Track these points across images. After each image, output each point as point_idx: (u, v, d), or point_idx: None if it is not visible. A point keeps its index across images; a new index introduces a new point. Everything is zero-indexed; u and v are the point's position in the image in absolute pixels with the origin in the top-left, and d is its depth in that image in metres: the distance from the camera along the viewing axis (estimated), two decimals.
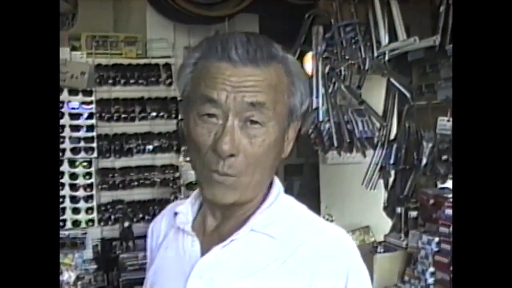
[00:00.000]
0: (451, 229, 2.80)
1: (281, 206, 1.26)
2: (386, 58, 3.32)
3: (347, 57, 3.34)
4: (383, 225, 4.03)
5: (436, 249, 2.92)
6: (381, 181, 3.67)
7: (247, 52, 1.16)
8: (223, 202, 1.20)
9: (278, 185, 1.30)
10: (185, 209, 1.32)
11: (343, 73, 3.36)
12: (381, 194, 3.96)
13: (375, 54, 3.35)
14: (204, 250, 1.25)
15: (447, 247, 2.85)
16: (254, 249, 1.21)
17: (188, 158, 4.73)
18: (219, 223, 1.28)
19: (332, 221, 5.66)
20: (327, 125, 3.41)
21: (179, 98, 4.73)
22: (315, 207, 5.82)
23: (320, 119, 3.40)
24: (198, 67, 1.21)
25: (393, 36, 3.38)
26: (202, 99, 1.17)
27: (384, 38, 3.35)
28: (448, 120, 3.16)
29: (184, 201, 1.37)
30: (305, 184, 6.94)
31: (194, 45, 4.24)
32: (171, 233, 1.35)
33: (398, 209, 3.34)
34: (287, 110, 1.22)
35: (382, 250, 3.18)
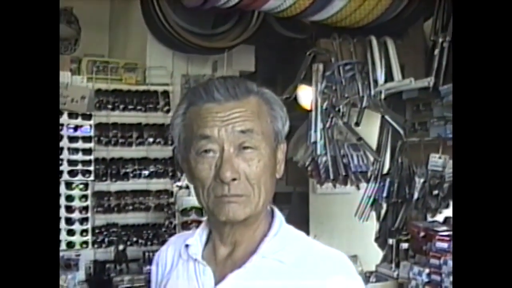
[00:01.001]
0: (441, 260, 2.94)
1: (286, 234, 1.39)
2: (382, 96, 3.48)
3: (346, 95, 3.50)
4: (370, 255, 4.12)
5: (426, 280, 3.05)
6: (373, 213, 3.80)
7: (227, 90, 1.33)
8: (236, 218, 1.32)
9: (279, 214, 1.43)
10: (195, 241, 1.43)
11: (341, 110, 3.51)
12: (369, 225, 4.05)
13: (372, 93, 3.51)
14: (218, 279, 1.35)
15: (437, 278, 2.99)
16: (266, 275, 1.32)
17: (179, 184, 4.85)
18: (230, 251, 1.39)
19: None
20: (324, 159, 3.54)
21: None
22: None
23: (318, 152, 3.53)
24: (187, 115, 1.37)
25: (389, 76, 3.54)
26: (198, 138, 1.32)
27: (381, 77, 3.51)
28: (440, 157, 3.31)
29: (191, 233, 1.49)
30: (294, 212, 7.03)
31: (192, 73, 4.40)
32: (180, 263, 1.45)
33: (390, 241, 3.47)
34: (273, 133, 1.37)
35: (374, 279, 3.31)
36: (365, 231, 4.27)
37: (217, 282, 1.35)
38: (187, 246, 1.44)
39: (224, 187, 1.30)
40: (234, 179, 1.29)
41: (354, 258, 5.63)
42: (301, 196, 6.60)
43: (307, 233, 4.54)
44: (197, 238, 1.44)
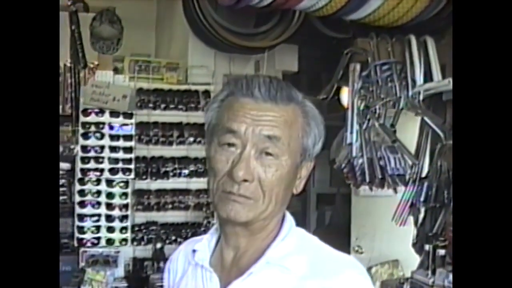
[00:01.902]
0: None
1: (294, 239, 1.34)
2: (421, 97, 3.38)
3: (382, 96, 3.41)
4: (411, 260, 4.03)
5: None
6: (411, 218, 3.70)
7: (268, 91, 1.29)
8: (237, 219, 1.28)
9: (290, 218, 1.38)
10: (202, 246, 1.40)
11: (377, 111, 3.43)
12: (411, 229, 3.98)
13: (410, 93, 3.41)
14: (223, 285, 1.33)
15: None
16: (271, 281, 1.28)
17: None
18: (236, 257, 1.36)
19: (361, 253, 5.68)
20: (360, 161, 3.46)
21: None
22: (346, 237, 5.84)
23: (354, 154, 3.46)
24: (224, 103, 1.33)
25: (428, 76, 3.44)
26: (224, 130, 1.29)
27: (420, 78, 3.41)
28: None
29: (201, 238, 1.46)
30: (337, 214, 6.97)
31: (234, 73, 4.39)
32: (189, 270, 1.43)
33: (427, 247, 3.37)
34: (300, 148, 1.32)
35: (408, 287, 3.22)
36: (407, 235, 4.18)
37: None
38: (194, 251, 1.41)
39: (234, 185, 1.27)
40: (245, 180, 1.26)
41: (395, 262, 5.56)
42: (345, 197, 6.53)
43: (348, 235, 4.47)
44: (205, 243, 1.41)
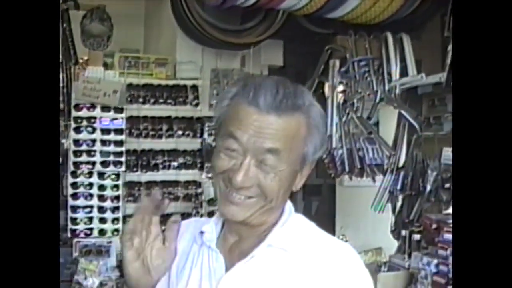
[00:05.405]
0: (448, 252, 3.02)
1: (294, 224, 1.42)
2: (397, 91, 3.56)
3: (359, 90, 3.59)
4: (395, 247, 4.21)
5: (434, 270, 3.14)
6: (389, 205, 3.89)
7: (273, 101, 1.31)
8: (233, 219, 1.36)
9: (289, 205, 1.45)
10: (210, 228, 1.44)
11: (355, 104, 3.61)
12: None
13: (387, 88, 3.60)
14: (228, 266, 1.39)
15: (445, 268, 3.07)
16: (272, 263, 1.36)
17: (210, 175, 5.00)
18: (238, 241, 1.42)
19: (346, 241, 5.83)
20: (340, 151, 3.64)
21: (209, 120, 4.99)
22: (331, 227, 6.01)
23: (334, 145, 3.64)
24: (233, 101, 1.37)
25: (404, 71, 3.63)
26: (227, 135, 1.34)
27: (396, 73, 3.60)
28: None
29: (204, 219, 1.53)
30: (323, 204, 7.13)
31: (221, 68, 4.47)
32: (194, 249, 1.47)
33: (403, 232, 3.56)
34: (300, 157, 1.37)
35: (385, 269, 3.40)
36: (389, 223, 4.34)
37: (227, 269, 1.39)
38: (202, 232, 1.45)
39: (233, 188, 1.34)
40: (243, 187, 1.33)
41: (378, 250, 5.74)
42: (331, 188, 6.68)
43: (334, 224, 4.64)
44: (212, 225, 1.45)
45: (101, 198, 5.00)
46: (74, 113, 4.96)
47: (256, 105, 1.31)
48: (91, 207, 4.98)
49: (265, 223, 1.40)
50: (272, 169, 1.33)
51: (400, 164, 3.79)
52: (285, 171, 1.34)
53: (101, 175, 5.00)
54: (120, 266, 4.93)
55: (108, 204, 5.01)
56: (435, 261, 3.14)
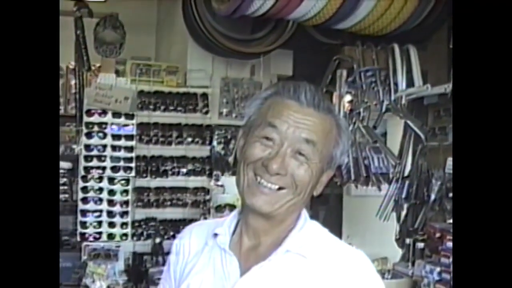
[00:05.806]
0: (451, 260, 3.07)
1: (311, 230, 1.45)
2: (403, 102, 3.62)
3: (366, 100, 3.65)
4: (399, 255, 4.23)
5: (437, 278, 3.18)
6: (394, 214, 3.93)
7: (313, 98, 1.40)
8: (261, 210, 1.38)
9: (304, 212, 1.48)
10: (223, 230, 1.47)
11: (361, 113, 3.66)
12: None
13: (393, 98, 3.66)
14: (243, 269, 1.40)
15: (447, 276, 3.11)
16: (289, 268, 1.38)
17: (219, 183, 5.06)
18: (255, 244, 1.44)
19: None
20: (346, 160, 3.69)
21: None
22: (338, 236, 6.01)
23: None
24: (267, 100, 1.44)
25: (410, 82, 3.68)
26: (266, 125, 1.39)
27: (402, 84, 3.66)
28: None
29: (212, 222, 1.56)
30: (330, 213, 7.17)
31: (231, 76, 4.55)
32: (206, 251, 1.48)
33: (408, 240, 3.61)
34: (329, 156, 1.43)
35: (389, 277, 3.45)
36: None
37: (242, 273, 1.39)
38: (215, 235, 1.47)
39: (266, 175, 1.37)
40: (278, 174, 1.37)
41: (384, 260, 5.75)
42: (338, 198, 6.71)
43: (340, 233, 4.67)
44: (225, 228, 1.47)
45: (111, 202, 5.06)
46: (85, 119, 5.03)
47: (297, 99, 1.39)
48: (101, 211, 5.05)
49: (285, 223, 1.43)
50: (306, 160, 1.38)
51: (406, 173, 3.84)
52: (317, 165, 1.39)
53: (111, 180, 5.06)
54: (128, 270, 5.00)
55: (117, 208, 5.07)
56: (438, 269, 3.18)
